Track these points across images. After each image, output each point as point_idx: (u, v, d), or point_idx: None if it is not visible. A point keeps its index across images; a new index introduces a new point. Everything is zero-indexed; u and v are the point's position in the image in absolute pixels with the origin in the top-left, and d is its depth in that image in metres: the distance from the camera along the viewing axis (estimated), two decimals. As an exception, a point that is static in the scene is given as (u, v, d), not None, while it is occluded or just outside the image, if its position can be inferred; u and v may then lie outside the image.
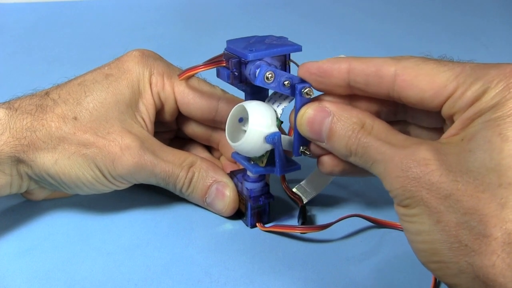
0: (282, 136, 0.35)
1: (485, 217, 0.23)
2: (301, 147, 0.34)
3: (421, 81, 0.28)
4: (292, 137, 0.35)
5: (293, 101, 0.34)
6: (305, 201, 0.41)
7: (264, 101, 0.36)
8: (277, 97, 0.36)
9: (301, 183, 0.42)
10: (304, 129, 0.31)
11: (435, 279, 0.34)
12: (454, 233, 0.24)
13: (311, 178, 0.42)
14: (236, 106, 0.36)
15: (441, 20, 0.93)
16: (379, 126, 0.29)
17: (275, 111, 0.35)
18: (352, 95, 0.32)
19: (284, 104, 0.35)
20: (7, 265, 0.36)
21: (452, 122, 0.27)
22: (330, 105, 0.30)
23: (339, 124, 0.30)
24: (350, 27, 0.89)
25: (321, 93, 0.33)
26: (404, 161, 0.26)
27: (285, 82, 0.33)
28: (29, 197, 0.42)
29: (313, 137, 0.31)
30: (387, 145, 0.27)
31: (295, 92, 0.33)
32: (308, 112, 0.31)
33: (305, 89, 0.32)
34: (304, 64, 0.32)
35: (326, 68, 0.31)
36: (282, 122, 0.36)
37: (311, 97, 0.33)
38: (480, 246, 0.23)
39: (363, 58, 0.30)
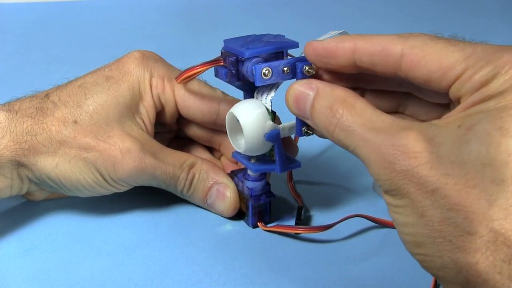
0: (282, 124, 0.35)
1: (472, 214, 0.22)
2: (303, 128, 0.33)
3: (429, 61, 0.26)
4: (291, 123, 0.35)
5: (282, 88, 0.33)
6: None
7: None
8: (264, 88, 0.35)
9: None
10: (290, 105, 0.30)
11: (435, 280, 0.33)
12: (438, 228, 0.23)
13: None
14: (227, 114, 0.36)
15: (441, 20, 0.93)
16: (362, 106, 0.27)
17: (265, 104, 0.35)
18: (357, 75, 0.31)
19: (271, 94, 0.35)
20: (7, 265, 0.36)
21: (459, 104, 0.26)
22: (316, 81, 0.29)
23: (319, 100, 0.28)
24: (350, 27, 0.88)
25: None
26: (391, 152, 0.24)
27: (284, 69, 0.33)
28: (29, 198, 0.42)
29: (299, 113, 0.30)
30: (371, 131, 0.25)
31: (296, 71, 0.32)
32: (294, 88, 0.30)
33: (305, 68, 0.32)
34: (310, 43, 0.31)
35: (331, 48, 0.30)
36: (275, 113, 0.35)
37: (313, 74, 0.32)
38: (464, 243, 0.22)
39: (369, 36, 0.29)
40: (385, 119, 0.26)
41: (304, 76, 0.32)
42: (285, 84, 0.34)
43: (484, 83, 0.24)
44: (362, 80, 0.32)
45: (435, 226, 0.23)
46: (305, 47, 0.31)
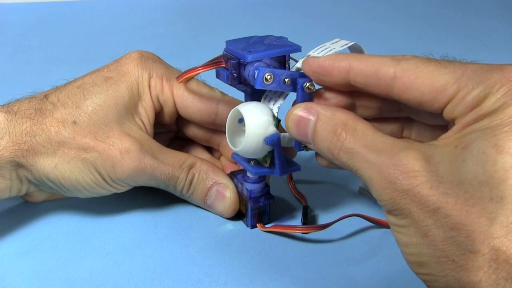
0: (283, 134, 0.35)
1: (473, 233, 0.22)
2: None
3: (420, 84, 0.27)
4: None
5: (289, 98, 0.34)
6: (372, 197, 0.41)
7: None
8: (273, 94, 0.35)
9: (360, 185, 0.42)
10: (291, 130, 0.31)
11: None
12: (441, 247, 0.23)
13: None
14: (232, 110, 0.36)
15: (441, 20, 0.93)
16: (364, 129, 0.27)
17: (272, 109, 0.35)
18: (354, 91, 0.32)
19: (279, 102, 0.35)
20: (7, 265, 0.36)
21: (454, 125, 0.26)
22: (316, 106, 0.30)
23: (321, 124, 0.29)
24: (350, 28, 0.89)
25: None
26: (391, 172, 0.25)
27: (285, 80, 0.33)
28: (29, 199, 0.42)
29: (300, 138, 0.30)
30: (373, 153, 0.26)
31: (297, 87, 0.32)
32: (294, 113, 0.30)
33: (306, 84, 0.32)
34: (307, 60, 0.32)
35: (326, 67, 0.31)
36: (279, 121, 0.35)
37: (313, 91, 0.32)
38: (466, 262, 0.22)
39: (363, 56, 0.30)
40: (386, 141, 0.26)
41: (304, 93, 0.32)
42: (291, 95, 0.34)
43: (477, 104, 0.25)
44: (361, 107, 0.33)
45: (438, 246, 0.23)
46: (302, 64, 0.32)
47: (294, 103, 0.34)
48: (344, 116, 0.28)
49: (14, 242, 0.38)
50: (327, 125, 0.28)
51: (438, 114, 0.28)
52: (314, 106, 0.30)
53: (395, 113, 0.33)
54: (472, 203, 0.23)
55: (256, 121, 0.34)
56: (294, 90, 0.33)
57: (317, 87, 0.33)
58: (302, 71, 0.33)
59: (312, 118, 0.29)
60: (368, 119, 0.33)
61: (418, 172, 0.24)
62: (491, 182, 0.22)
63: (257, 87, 0.33)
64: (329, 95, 0.32)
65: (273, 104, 0.35)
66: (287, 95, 0.35)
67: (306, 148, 0.34)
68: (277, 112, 0.35)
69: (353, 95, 0.32)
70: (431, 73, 0.27)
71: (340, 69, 0.30)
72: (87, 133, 0.37)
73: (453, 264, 0.23)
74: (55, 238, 0.39)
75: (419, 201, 0.24)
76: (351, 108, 0.32)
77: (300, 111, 0.30)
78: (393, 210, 0.25)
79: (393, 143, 0.26)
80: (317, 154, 0.33)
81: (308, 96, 0.32)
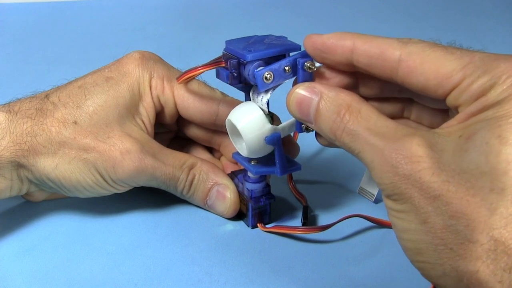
0: (282, 125, 0.35)
1: (473, 222, 0.22)
2: (303, 124, 0.33)
3: (426, 69, 0.27)
4: (291, 121, 0.35)
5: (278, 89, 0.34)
6: (373, 198, 0.42)
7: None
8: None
9: (360, 185, 0.42)
10: (293, 110, 0.30)
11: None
12: (439, 235, 0.23)
13: (367, 177, 0.41)
14: (226, 121, 0.36)
15: (441, 20, 0.93)
16: (367, 112, 0.27)
17: (261, 107, 0.35)
18: (356, 71, 0.31)
19: (267, 97, 0.34)
20: (7, 265, 0.36)
21: (457, 112, 0.26)
22: (319, 86, 0.29)
23: (325, 105, 0.28)
24: (351, 28, 0.88)
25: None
26: (394, 156, 0.24)
27: (286, 68, 0.33)
28: (29, 199, 0.42)
29: (302, 117, 0.30)
30: (376, 136, 0.26)
31: (297, 67, 0.32)
32: (296, 92, 0.30)
33: (307, 63, 0.31)
34: (310, 37, 0.31)
35: (329, 45, 0.30)
36: (273, 115, 0.35)
37: (314, 71, 0.32)
38: (465, 251, 0.22)
39: (368, 37, 0.29)
40: (390, 125, 0.26)
41: (305, 72, 0.32)
42: (284, 84, 0.34)
43: (482, 93, 0.25)
44: (362, 87, 0.32)
45: (437, 233, 0.23)
46: (304, 39, 0.31)
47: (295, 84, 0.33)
48: (348, 98, 0.28)
49: (14, 242, 0.38)
50: (330, 106, 0.28)
51: (440, 100, 0.27)
52: (317, 86, 0.29)
53: (396, 94, 0.32)
54: (473, 192, 0.22)
55: (248, 125, 0.34)
56: (295, 73, 0.33)
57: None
58: (300, 52, 0.33)
59: (315, 97, 0.29)
60: (369, 98, 0.32)
61: (421, 157, 0.24)
62: (493, 173, 0.22)
63: (262, 89, 0.33)
64: (330, 74, 0.32)
65: (261, 100, 0.35)
66: (275, 88, 0.34)
67: (307, 129, 0.33)
68: (267, 108, 0.34)
69: (355, 75, 0.32)
70: (437, 59, 0.26)
71: (344, 48, 0.29)
72: (88, 134, 0.37)
73: (451, 252, 0.23)
74: (55, 238, 0.39)
75: (420, 187, 0.24)
76: (352, 88, 0.32)
77: (302, 90, 0.29)
78: (393, 195, 0.25)
79: (397, 128, 0.26)
80: (317, 133, 0.33)
81: (309, 76, 0.32)
